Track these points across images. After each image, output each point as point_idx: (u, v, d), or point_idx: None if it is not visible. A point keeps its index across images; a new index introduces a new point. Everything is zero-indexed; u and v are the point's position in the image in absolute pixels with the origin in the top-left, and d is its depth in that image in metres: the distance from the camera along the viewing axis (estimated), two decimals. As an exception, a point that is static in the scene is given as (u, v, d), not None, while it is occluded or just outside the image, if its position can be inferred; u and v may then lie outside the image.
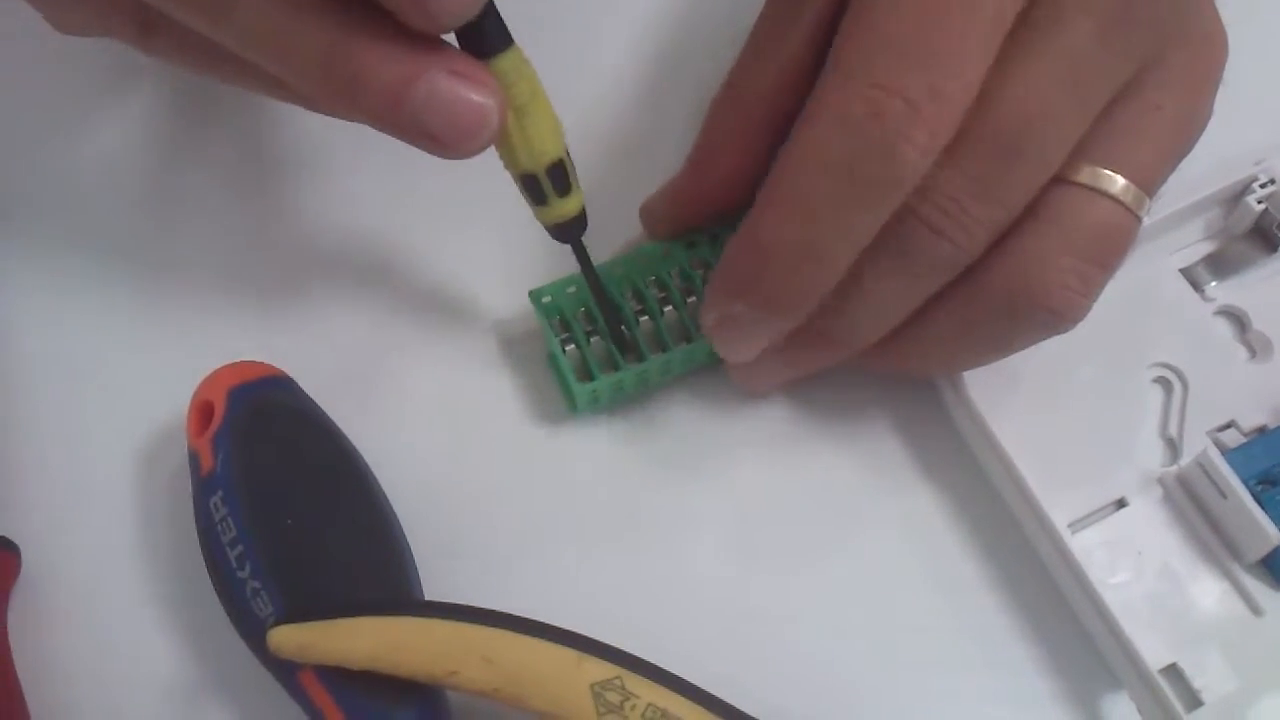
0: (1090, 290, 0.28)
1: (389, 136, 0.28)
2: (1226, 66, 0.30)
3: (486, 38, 0.26)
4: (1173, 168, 0.29)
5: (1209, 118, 0.29)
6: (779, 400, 0.33)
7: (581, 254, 0.31)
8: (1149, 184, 0.28)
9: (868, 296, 0.29)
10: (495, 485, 0.32)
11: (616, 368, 0.32)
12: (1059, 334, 0.28)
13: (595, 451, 0.33)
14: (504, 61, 0.26)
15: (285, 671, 0.28)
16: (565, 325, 0.33)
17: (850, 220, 0.27)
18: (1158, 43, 0.27)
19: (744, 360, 0.31)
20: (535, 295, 0.32)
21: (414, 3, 0.24)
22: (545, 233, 0.30)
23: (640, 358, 0.32)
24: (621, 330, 0.32)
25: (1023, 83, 0.26)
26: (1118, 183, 0.27)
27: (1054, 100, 0.26)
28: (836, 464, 0.33)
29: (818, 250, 0.27)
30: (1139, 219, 0.28)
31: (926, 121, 0.25)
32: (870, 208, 0.27)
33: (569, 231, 0.30)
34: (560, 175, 0.28)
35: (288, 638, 0.27)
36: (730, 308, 0.29)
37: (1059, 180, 0.27)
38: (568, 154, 0.28)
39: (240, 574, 0.28)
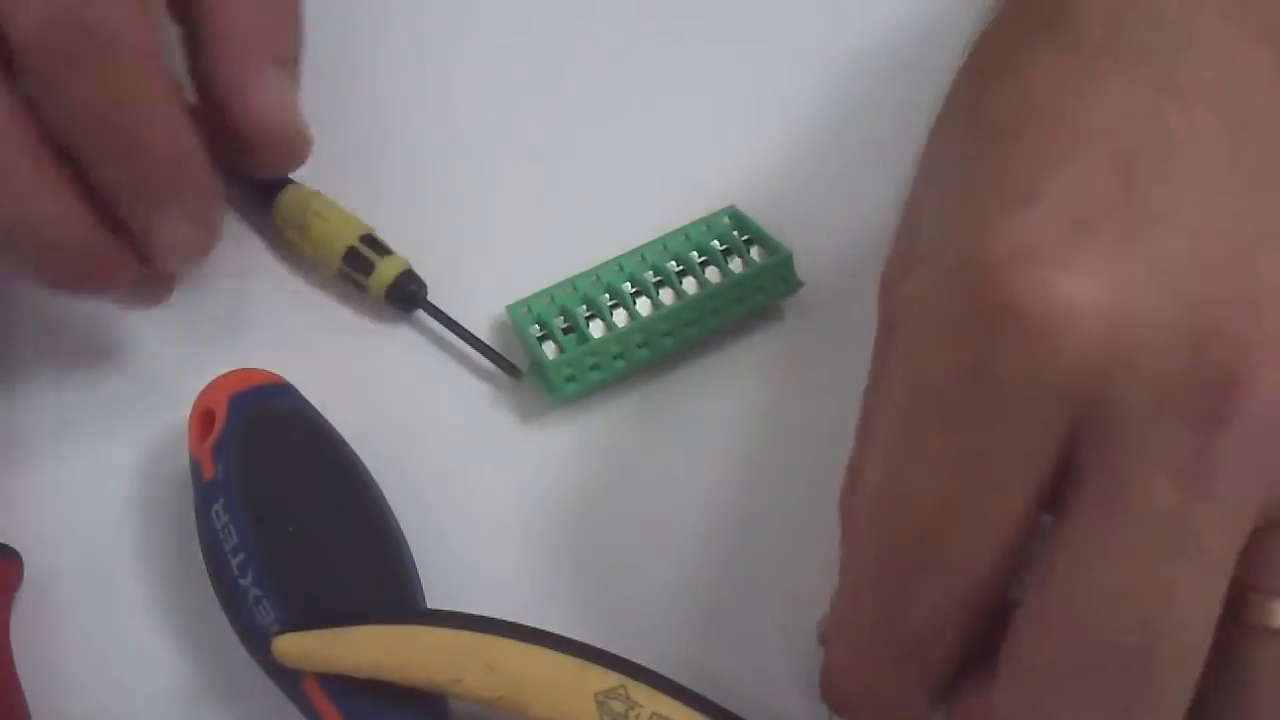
0: None
1: (370, 147, 0.35)
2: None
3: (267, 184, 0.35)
4: None
5: None
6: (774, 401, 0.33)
7: (440, 317, 0.33)
8: None
9: None
10: (497, 492, 0.32)
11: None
12: None
13: (595, 459, 0.33)
14: (284, 196, 0.34)
15: (289, 680, 0.28)
16: (545, 329, 0.33)
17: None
18: (1272, 465, 0.22)
19: None
20: (514, 309, 0.33)
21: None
22: (532, 245, 0.35)
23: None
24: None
25: (1125, 572, 0.22)
26: None
27: (1172, 580, 0.21)
28: (826, 457, 0.33)
29: None
30: None
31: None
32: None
33: (408, 298, 0.33)
34: (357, 257, 0.33)
35: (291, 646, 0.27)
36: None
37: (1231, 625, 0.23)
38: (363, 238, 0.34)
39: (242, 582, 0.28)
